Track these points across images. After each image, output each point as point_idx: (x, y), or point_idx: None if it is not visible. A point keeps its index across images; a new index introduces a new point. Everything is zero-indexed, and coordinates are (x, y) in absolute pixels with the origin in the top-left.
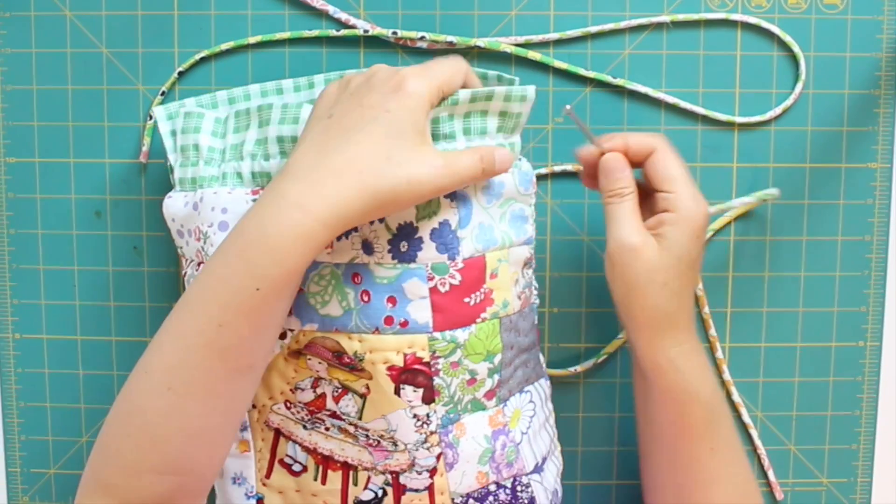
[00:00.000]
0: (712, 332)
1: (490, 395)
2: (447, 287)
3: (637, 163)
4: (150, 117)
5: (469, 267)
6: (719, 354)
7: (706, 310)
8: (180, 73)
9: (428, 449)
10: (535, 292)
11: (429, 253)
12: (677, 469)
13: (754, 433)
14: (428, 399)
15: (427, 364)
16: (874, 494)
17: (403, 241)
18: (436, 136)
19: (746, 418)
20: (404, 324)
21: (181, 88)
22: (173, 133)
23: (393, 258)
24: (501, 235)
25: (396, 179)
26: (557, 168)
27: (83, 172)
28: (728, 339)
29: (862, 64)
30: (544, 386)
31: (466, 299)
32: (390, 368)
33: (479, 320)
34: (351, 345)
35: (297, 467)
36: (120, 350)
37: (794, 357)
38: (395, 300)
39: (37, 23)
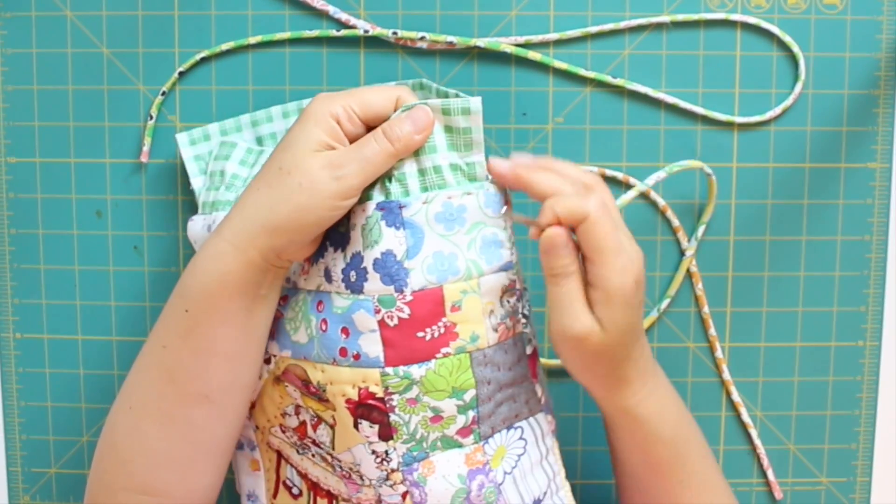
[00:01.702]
0: (712, 331)
1: (465, 432)
2: (395, 321)
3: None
4: (151, 117)
5: (420, 300)
6: (719, 354)
7: (706, 309)
8: (181, 74)
9: (391, 486)
10: (522, 321)
11: (374, 284)
12: (650, 502)
13: (754, 432)
14: (385, 436)
15: (381, 400)
16: (873, 494)
17: (353, 270)
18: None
19: (746, 417)
20: (357, 357)
21: (182, 88)
22: (197, 158)
23: (346, 288)
24: (467, 265)
25: (288, 187)
26: None
27: (84, 172)
28: (728, 339)
29: (861, 64)
30: (542, 421)
31: (420, 334)
32: (348, 402)
33: (439, 355)
34: (315, 374)
35: (295, 490)
36: (121, 350)
37: (794, 357)
38: (349, 332)
39: (37, 23)
